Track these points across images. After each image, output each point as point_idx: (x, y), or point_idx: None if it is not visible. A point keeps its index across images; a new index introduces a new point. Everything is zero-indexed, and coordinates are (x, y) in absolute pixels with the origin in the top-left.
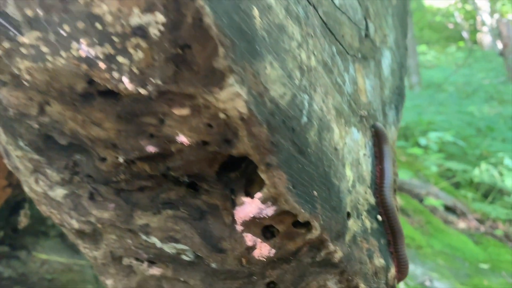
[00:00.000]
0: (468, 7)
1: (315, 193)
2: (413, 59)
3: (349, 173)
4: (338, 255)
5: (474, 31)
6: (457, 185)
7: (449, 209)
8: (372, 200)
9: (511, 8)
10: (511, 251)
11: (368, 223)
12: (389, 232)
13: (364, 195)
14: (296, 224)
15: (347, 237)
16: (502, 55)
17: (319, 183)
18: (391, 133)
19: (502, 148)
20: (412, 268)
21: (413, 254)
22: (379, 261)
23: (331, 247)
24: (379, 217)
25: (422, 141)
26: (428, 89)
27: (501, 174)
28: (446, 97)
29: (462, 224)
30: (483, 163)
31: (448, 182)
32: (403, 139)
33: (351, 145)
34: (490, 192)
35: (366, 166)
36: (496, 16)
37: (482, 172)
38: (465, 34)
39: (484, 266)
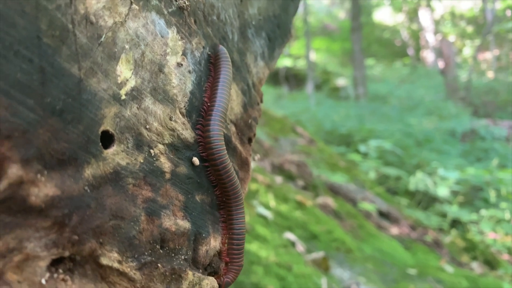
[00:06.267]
0: (414, 26)
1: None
2: (361, 71)
3: (125, 72)
4: (44, 192)
5: (418, 49)
6: (393, 192)
7: (383, 214)
8: (187, 134)
9: (453, 30)
10: (439, 257)
11: (166, 164)
12: (219, 191)
13: (167, 121)
14: None
15: (91, 170)
16: (443, 74)
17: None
18: (257, 67)
19: (437, 159)
20: (339, 272)
21: (342, 258)
22: (178, 223)
23: (18, 172)
24: (196, 161)
25: (362, 148)
26: (373, 101)
27: (435, 183)
28: (389, 109)
29: (394, 230)
30: (419, 171)
31: (384, 188)
32: (344, 145)
33: (144, 36)
34: (423, 200)
35: (182, 83)
36: (439, 36)
37: (417, 180)
38: (410, 52)
39: (412, 271)
